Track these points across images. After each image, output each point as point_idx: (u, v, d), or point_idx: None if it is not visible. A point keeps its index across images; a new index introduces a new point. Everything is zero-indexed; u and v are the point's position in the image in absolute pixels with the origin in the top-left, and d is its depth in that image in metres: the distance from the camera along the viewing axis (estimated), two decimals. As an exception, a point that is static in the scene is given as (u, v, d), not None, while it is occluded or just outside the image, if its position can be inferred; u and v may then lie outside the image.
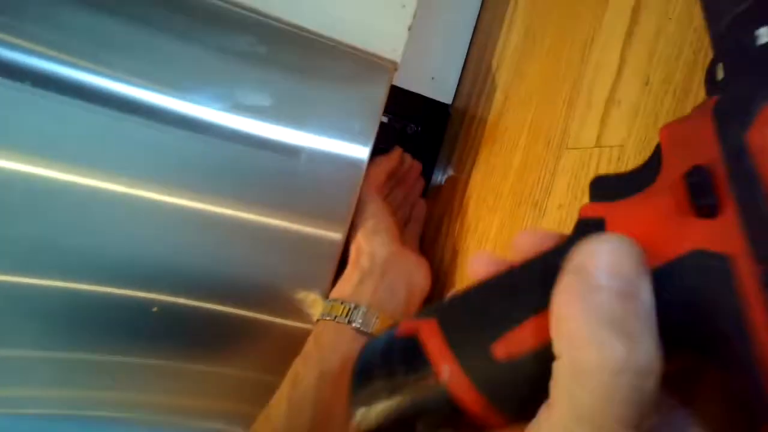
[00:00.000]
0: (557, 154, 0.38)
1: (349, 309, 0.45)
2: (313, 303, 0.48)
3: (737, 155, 0.14)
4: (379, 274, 0.47)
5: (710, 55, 0.26)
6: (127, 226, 0.44)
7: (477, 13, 0.63)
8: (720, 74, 0.17)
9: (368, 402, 0.19)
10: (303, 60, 0.47)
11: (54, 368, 0.45)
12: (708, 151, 0.15)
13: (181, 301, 0.45)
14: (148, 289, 0.44)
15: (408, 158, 0.59)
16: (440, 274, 0.52)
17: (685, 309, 0.15)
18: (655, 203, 0.16)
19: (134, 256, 0.44)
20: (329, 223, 0.48)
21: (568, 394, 0.13)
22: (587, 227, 0.17)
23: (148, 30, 0.43)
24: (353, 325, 0.44)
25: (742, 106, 0.15)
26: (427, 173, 0.63)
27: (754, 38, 0.16)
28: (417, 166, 0.60)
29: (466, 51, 0.63)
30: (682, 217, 0.15)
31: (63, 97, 0.41)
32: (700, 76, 0.26)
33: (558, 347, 0.14)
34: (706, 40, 0.27)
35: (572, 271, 0.14)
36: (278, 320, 0.48)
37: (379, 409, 0.18)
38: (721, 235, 0.14)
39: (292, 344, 0.46)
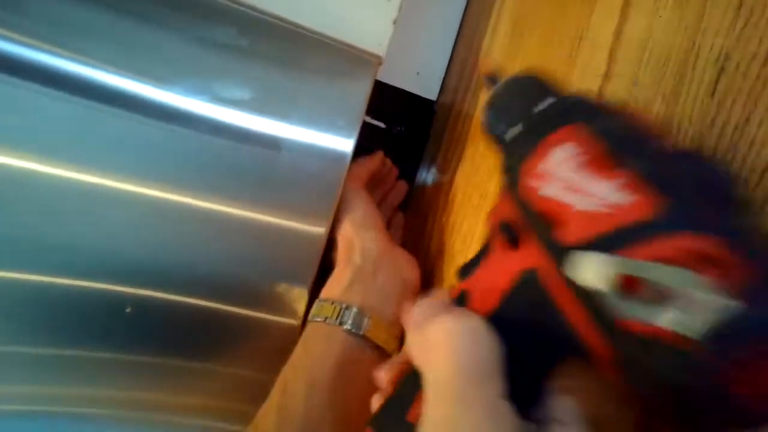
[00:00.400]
0: (544, 153, 0.38)
1: (340, 309, 0.43)
2: (299, 297, 0.47)
3: (520, 202, 0.22)
4: (371, 272, 0.46)
5: (701, 57, 0.25)
6: (104, 219, 0.42)
7: (463, 7, 0.62)
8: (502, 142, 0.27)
9: None
10: (285, 53, 0.45)
11: (33, 364, 0.44)
12: (507, 209, 0.24)
13: (161, 296, 0.44)
14: (127, 284, 0.43)
15: (388, 162, 0.58)
16: (425, 273, 0.51)
17: (531, 316, 0.20)
18: (491, 259, 0.25)
19: (112, 250, 0.43)
20: (312, 217, 0.47)
21: None
22: (459, 300, 0.24)
23: (124, 18, 0.42)
24: (344, 327, 0.42)
25: (512, 172, 0.24)
26: (412, 171, 0.62)
27: (504, 134, 0.27)
28: (394, 170, 0.60)
29: (451, 46, 0.62)
30: (506, 256, 0.23)
31: (37, 86, 0.40)
32: (690, 78, 0.26)
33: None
34: (698, 41, 0.26)
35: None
36: (264, 315, 0.47)
37: None
38: (528, 255, 0.21)
39: (280, 340, 0.46)
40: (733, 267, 0.15)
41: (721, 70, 0.24)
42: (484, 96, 0.51)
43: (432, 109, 0.63)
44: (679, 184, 0.18)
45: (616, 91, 0.31)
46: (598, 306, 0.17)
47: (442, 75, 0.61)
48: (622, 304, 0.16)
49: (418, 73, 0.60)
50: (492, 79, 0.31)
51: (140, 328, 0.44)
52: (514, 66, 0.46)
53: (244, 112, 0.44)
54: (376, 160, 0.54)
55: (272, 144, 0.45)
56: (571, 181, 0.20)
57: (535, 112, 0.25)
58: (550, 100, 0.25)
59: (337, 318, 0.43)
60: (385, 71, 0.52)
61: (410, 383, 0.23)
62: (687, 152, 0.21)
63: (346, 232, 0.47)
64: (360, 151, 0.49)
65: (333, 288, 0.46)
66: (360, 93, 0.47)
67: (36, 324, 0.42)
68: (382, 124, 0.61)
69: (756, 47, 0.23)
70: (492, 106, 0.29)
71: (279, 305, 0.46)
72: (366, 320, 0.43)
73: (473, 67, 0.56)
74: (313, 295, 0.47)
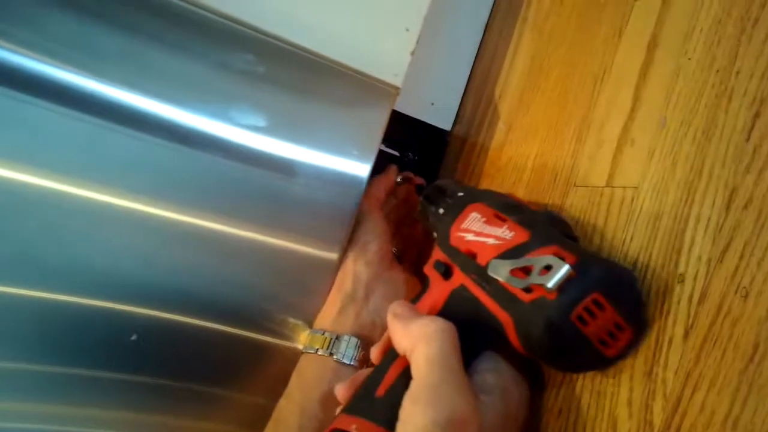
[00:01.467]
0: (564, 190, 0.37)
1: (331, 340, 0.43)
2: (294, 329, 0.46)
3: (450, 249, 0.36)
4: (362, 297, 0.45)
5: (735, 101, 0.25)
6: (114, 239, 0.42)
7: (480, 39, 0.62)
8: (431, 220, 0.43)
9: None
10: (303, 81, 0.45)
11: (37, 383, 0.42)
12: (439, 256, 0.37)
13: (169, 317, 0.43)
14: (135, 305, 0.42)
15: (410, 176, 0.57)
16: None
17: (461, 318, 0.30)
18: (431, 288, 0.36)
19: (120, 271, 0.42)
20: (326, 243, 0.46)
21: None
22: None
23: (141, 40, 0.42)
24: (335, 357, 0.43)
25: (442, 233, 0.38)
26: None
27: (430, 212, 0.43)
28: (415, 181, 0.58)
29: (467, 78, 0.62)
30: (441, 284, 0.35)
31: (54, 105, 0.40)
32: (723, 122, 0.25)
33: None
34: (730, 84, 0.26)
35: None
36: (274, 340, 0.46)
37: None
38: (456, 280, 0.34)
39: (291, 366, 0.45)
40: (568, 257, 0.26)
41: (757, 114, 0.24)
42: (498, 132, 0.51)
43: (445, 139, 0.62)
44: (537, 224, 0.31)
45: (643, 130, 0.31)
46: (501, 290, 0.29)
47: (457, 106, 0.61)
48: (514, 282, 0.27)
49: (432, 103, 0.60)
50: (419, 186, 0.51)
51: (146, 349, 0.43)
52: (534, 100, 0.46)
53: (260, 137, 0.44)
54: (390, 176, 0.54)
55: (287, 169, 0.45)
56: (481, 231, 0.34)
57: (453, 199, 0.40)
58: (460, 192, 0.41)
59: (328, 348, 0.43)
60: (400, 100, 0.52)
61: (381, 369, 0.31)
62: (542, 209, 0.36)
63: (347, 254, 0.47)
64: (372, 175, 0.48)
65: (325, 317, 0.45)
66: (377, 122, 0.46)
67: (41, 342, 0.41)
68: (394, 152, 0.61)
69: (795, 93, 0.22)
70: (426, 198, 0.44)
71: (291, 330, 0.46)
72: (357, 350, 0.43)
73: (489, 100, 0.55)
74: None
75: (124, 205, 0.41)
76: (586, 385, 0.28)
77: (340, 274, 0.46)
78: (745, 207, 0.23)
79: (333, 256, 0.46)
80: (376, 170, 0.54)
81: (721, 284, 0.23)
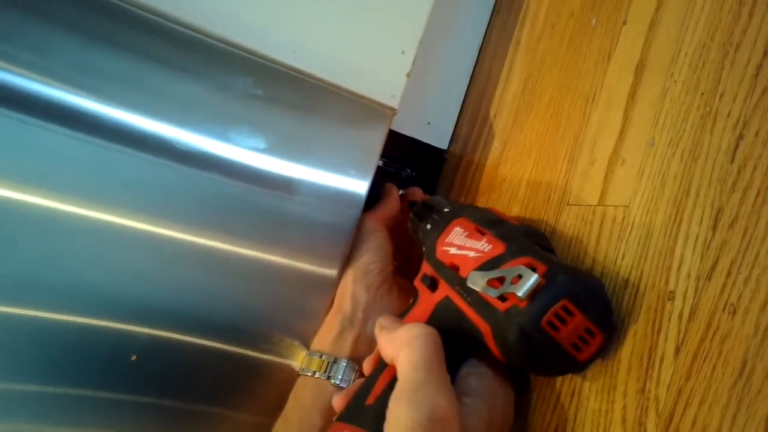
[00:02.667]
0: (558, 208, 0.38)
1: (329, 364, 0.44)
2: (292, 348, 0.46)
3: (437, 262, 0.38)
4: (361, 320, 0.45)
5: (719, 123, 0.26)
6: (115, 259, 0.42)
7: (474, 60, 0.63)
8: (420, 235, 0.44)
9: None
10: (301, 103, 0.46)
11: (36, 403, 0.42)
12: (427, 269, 0.39)
13: (169, 336, 0.43)
14: (135, 324, 0.43)
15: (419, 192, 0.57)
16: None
17: (446, 327, 0.31)
18: (419, 301, 0.38)
19: (121, 290, 0.42)
20: (324, 260, 0.47)
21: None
22: None
23: (147, 64, 0.43)
24: (332, 381, 0.43)
25: (429, 247, 0.40)
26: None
27: (419, 228, 0.45)
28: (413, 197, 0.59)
29: (462, 97, 0.63)
30: (428, 296, 0.37)
31: (58, 127, 0.41)
32: (708, 142, 0.26)
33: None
34: (715, 106, 0.26)
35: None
36: (273, 358, 0.46)
37: None
38: (442, 292, 0.36)
39: (283, 383, 0.45)
40: (539, 266, 0.28)
41: (740, 136, 0.24)
42: (493, 151, 0.52)
43: (442, 158, 0.63)
44: (513, 236, 0.33)
45: (632, 150, 0.31)
46: (480, 300, 0.30)
47: (453, 125, 0.62)
48: (490, 291, 0.29)
49: (429, 123, 0.61)
50: (412, 202, 0.50)
51: (146, 369, 0.43)
52: (528, 120, 0.47)
53: (260, 156, 0.45)
54: (394, 196, 0.54)
55: (286, 188, 0.45)
56: (463, 244, 0.36)
57: (439, 215, 0.42)
58: (446, 208, 0.43)
59: (325, 372, 0.43)
60: (397, 120, 0.53)
61: (372, 378, 0.33)
62: (521, 223, 0.37)
63: (344, 276, 0.47)
64: (372, 193, 0.49)
65: (322, 339, 0.45)
66: (374, 142, 0.47)
67: (43, 363, 0.41)
68: (392, 168, 0.62)
69: (776, 115, 0.23)
70: (416, 214, 0.46)
71: (288, 349, 0.46)
72: (354, 374, 0.43)
73: (484, 120, 0.56)
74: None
75: (125, 224, 0.42)
76: (582, 402, 0.29)
77: (339, 293, 0.46)
78: (731, 226, 0.23)
79: (331, 273, 0.47)
80: (376, 188, 0.55)
81: (710, 301, 0.23)
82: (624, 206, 0.30)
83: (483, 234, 0.35)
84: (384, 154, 0.48)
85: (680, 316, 0.24)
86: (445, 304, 0.35)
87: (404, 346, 0.29)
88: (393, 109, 0.48)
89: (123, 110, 0.42)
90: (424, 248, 0.42)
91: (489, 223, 0.36)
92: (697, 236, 0.25)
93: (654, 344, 0.25)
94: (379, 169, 0.49)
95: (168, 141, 0.43)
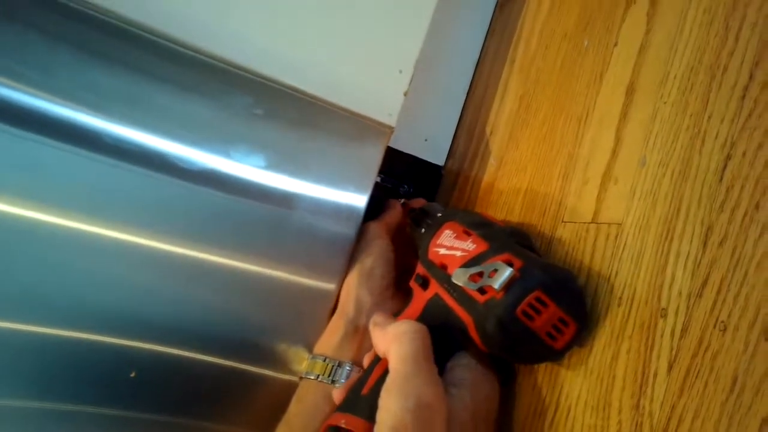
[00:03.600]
0: (553, 225, 0.38)
1: (333, 367, 0.43)
2: (295, 357, 0.46)
3: (428, 262, 0.40)
4: (364, 326, 0.45)
5: (707, 143, 0.26)
6: (115, 273, 0.43)
7: (470, 79, 0.64)
8: (416, 239, 0.47)
9: None
10: (301, 122, 0.47)
11: (36, 419, 0.42)
12: (420, 270, 0.41)
13: (170, 351, 0.44)
14: (135, 339, 0.43)
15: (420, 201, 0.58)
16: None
17: (436, 323, 0.34)
18: (413, 299, 0.40)
19: (121, 305, 0.43)
20: (324, 274, 0.47)
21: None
22: None
23: (151, 83, 0.44)
24: (336, 385, 0.43)
25: (423, 248, 0.42)
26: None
27: (415, 232, 0.48)
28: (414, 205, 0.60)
29: (459, 115, 0.64)
30: (421, 294, 0.39)
31: (59, 143, 0.41)
32: (697, 162, 0.27)
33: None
34: (703, 127, 0.27)
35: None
36: (271, 373, 0.46)
37: None
38: (432, 290, 0.38)
39: (282, 398, 0.45)
40: (515, 262, 0.30)
41: (728, 156, 0.25)
42: (490, 167, 0.52)
43: (439, 173, 0.64)
44: (497, 236, 0.35)
45: (625, 169, 0.32)
46: (463, 295, 0.33)
47: (450, 142, 0.63)
48: (471, 285, 0.31)
49: (426, 139, 0.62)
50: (412, 209, 0.52)
51: (146, 384, 0.43)
52: (523, 137, 0.48)
53: (260, 173, 0.45)
54: (398, 208, 0.55)
55: (286, 203, 0.46)
56: (451, 245, 0.38)
57: (433, 219, 0.45)
58: (439, 213, 0.46)
59: (329, 376, 0.43)
60: (395, 137, 0.54)
61: (367, 371, 0.35)
62: (509, 226, 0.39)
63: (349, 280, 0.47)
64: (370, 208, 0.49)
65: (326, 342, 0.46)
66: (372, 159, 0.48)
67: (43, 379, 0.41)
68: (390, 184, 0.62)
69: (761, 137, 0.24)
70: (413, 219, 0.49)
71: (287, 362, 0.46)
72: None
73: (480, 137, 0.57)
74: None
75: (126, 239, 0.42)
76: (577, 418, 0.29)
77: (343, 297, 0.47)
78: (721, 244, 0.24)
79: (331, 287, 0.47)
80: (378, 204, 0.55)
81: (701, 319, 0.24)
82: (617, 224, 0.31)
83: (469, 235, 0.37)
84: (382, 171, 0.49)
85: (672, 333, 0.25)
86: (435, 301, 0.37)
87: (394, 341, 0.31)
88: (390, 128, 0.49)
89: (127, 127, 0.43)
90: (418, 252, 0.44)
91: (476, 225, 0.38)
92: (688, 254, 0.25)
93: (647, 361, 0.26)
94: (378, 186, 0.50)
95: (170, 158, 0.43)
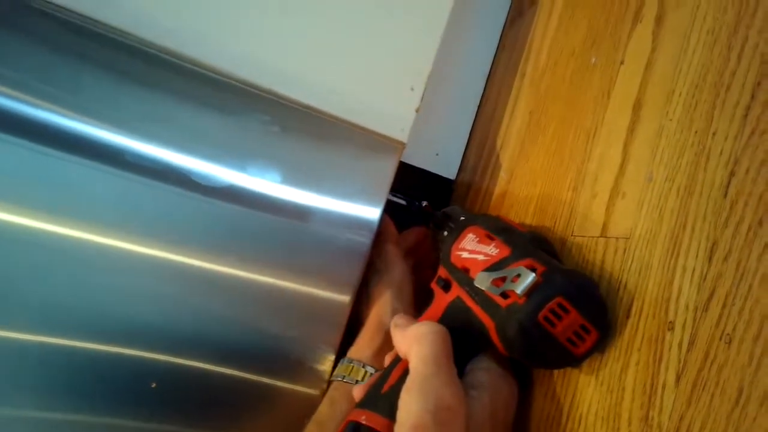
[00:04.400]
0: (562, 238, 0.39)
1: (368, 374, 0.45)
2: (323, 367, 0.47)
3: (450, 265, 0.41)
4: None
5: (712, 159, 0.27)
6: (135, 285, 0.44)
7: (481, 94, 0.65)
8: (438, 242, 0.49)
9: None
10: (315, 139, 0.48)
11: (52, 429, 0.43)
12: (442, 273, 0.42)
13: (188, 363, 0.45)
14: (154, 351, 0.44)
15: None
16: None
17: (457, 325, 0.34)
18: (434, 301, 0.41)
19: (141, 318, 0.44)
20: (338, 286, 0.48)
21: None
22: None
23: (172, 102, 0.45)
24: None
25: (445, 252, 0.43)
26: (430, 245, 0.64)
27: (437, 235, 0.50)
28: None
29: (469, 129, 0.65)
30: (442, 296, 0.40)
31: (84, 160, 0.43)
32: (702, 178, 0.27)
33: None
34: (707, 144, 0.28)
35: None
36: (285, 385, 0.47)
37: None
38: (454, 292, 0.38)
39: (301, 410, 0.46)
40: (538, 267, 0.30)
41: (732, 173, 0.26)
42: (500, 181, 0.53)
43: (450, 188, 0.65)
44: (519, 242, 0.36)
45: (632, 184, 0.33)
46: (485, 299, 0.33)
47: (461, 156, 0.64)
48: (493, 289, 0.32)
49: (437, 154, 0.63)
50: (435, 212, 0.53)
51: (165, 395, 0.44)
52: (533, 151, 0.49)
53: (277, 188, 0.47)
54: (418, 233, 0.57)
55: (302, 217, 0.47)
56: (474, 249, 0.39)
57: (456, 223, 0.46)
58: (462, 217, 0.47)
59: (363, 381, 0.44)
60: (407, 152, 0.55)
61: (388, 370, 0.36)
62: (528, 230, 0.39)
63: (383, 293, 0.49)
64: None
65: (363, 350, 0.47)
66: (385, 175, 0.49)
67: (67, 391, 0.43)
68: (402, 201, 0.64)
69: (764, 155, 0.24)
70: (435, 223, 0.51)
71: (303, 374, 0.47)
72: None
73: (491, 151, 0.58)
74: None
75: (148, 253, 0.44)
76: (588, 428, 0.29)
77: (378, 310, 0.48)
78: (725, 259, 0.25)
79: (345, 298, 0.48)
80: (401, 224, 0.57)
81: (707, 332, 0.24)
82: (625, 238, 0.32)
83: (492, 239, 0.38)
84: (394, 189, 0.50)
85: (680, 345, 0.25)
86: (456, 303, 0.37)
87: (414, 342, 0.32)
88: (402, 143, 0.50)
89: (149, 144, 0.45)
90: (440, 254, 0.45)
91: (498, 230, 0.39)
92: (694, 269, 0.26)
93: (656, 373, 0.26)
94: (389, 202, 0.51)
95: (190, 174, 0.45)
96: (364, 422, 0.33)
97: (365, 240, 0.49)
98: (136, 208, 0.44)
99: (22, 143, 0.42)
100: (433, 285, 0.42)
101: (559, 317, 0.29)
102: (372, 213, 0.49)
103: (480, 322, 0.33)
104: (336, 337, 0.48)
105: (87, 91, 0.44)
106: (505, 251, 0.35)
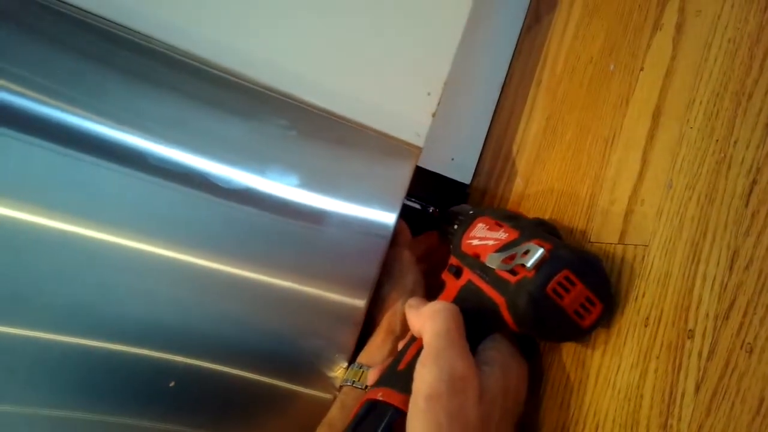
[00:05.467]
0: (579, 245, 0.39)
1: None
2: (336, 371, 0.47)
3: (461, 253, 0.43)
4: None
5: (733, 168, 0.27)
6: (152, 287, 0.45)
7: (496, 99, 0.66)
8: (448, 236, 0.50)
9: None
10: (333, 143, 0.49)
11: (72, 428, 0.44)
12: (453, 261, 0.44)
13: (203, 365, 0.45)
14: (171, 352, 0.45)
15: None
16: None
17: (469, 306, 0.36)
18: (445, 288, 0.42)
19: (158, 319, 0.45)
20: (353, 290, 0.49)
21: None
22: None
23: (193, 106, 0.46)
24: None
25: (456, 242, 0.45)
26: (444, 250, 0.64)
27: (447, 230, 0.51)
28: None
29: (485, 135, 0.65)
30: (454, 282, 0.41)
31: (107, 163, 0.44)
32: (723, 187, 0.27)
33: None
34: (729, 152, 0.28)
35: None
36: (298, 388, 0.48)
37: None
38: (465, 276, 0.40)
39: (311, 414, 0.46)
40: (545, 245, 0.31)
41: (754, 182, 0.26)
42: (516, 187, 0.53)
43: (465, 192, 0.65)
44: (527, 226, 0.38)
45: (651, 191, 0.33)
46: (496, 277, 0.35)
47: (476, 161, 0.64)
48: (503, 267, 0.33)
49: (453, 159, 0.64)
50: (444, 210, 0.56)
51: (181, 397, 0.45)
52: (549, 158, 0.49)
53: (294, 191, 0.48)
54: (432, 238, 0.58)
55: (318, 221, 0.48)
56: (484, 236, 0.41)
57: (465, 216, 0.48)
58: (471, 211, 0.48)
59: None
60: (423, 156, 0.55)
61: (403, 350, 0.37)
62: (535, 218, 0.41)
63: (394, 299, 0.49)
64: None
65: (373, 354, 0.47)
66: (401, 179, 0.50)
67: (84, 388, 0.44)
68: (417, 205, 0.64)
69: (786, 164, 0.24)
70: (445, 219, 0.53)
71: (317, 378, 0.47)
72: None
73: (507, 156, 0.58)
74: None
75: (167, 256, 0.45)
76: (605, 436, 0.29)
77: (389, 316, 0.49)
78: (747, 268, 0.24)
79: (360, 303, 0.48)
80: (415, 229, 0.57)
81: (728, 340, 0.24)
82: (644, 246, 0.32)
83: (501, 226, 0.40)
84: (409, 193, 0.51)
85: (700, 354, 0.25)
86: (468, 287, 0.39)
87: (428, 319, 0.33)
88: (419, 148, 0.50)
89: (170, 148, 0.45)
90: (451, 246, 0.47)
91: (507, 217, 0.41)
92: (715, 277, 0.26)
93: (675, 381, 0.26)
94: (404, 207, 0.52)
95: (210, 177, 0.46)
96: (380, 398, 0.34)
97: (381, 245, 0.49)
98: (157, 211, 0.45)
99: (50, 146, 0.43)
100: (445, 274, 0.44)
101: (567, 290, 0.30)
102: (388, 218, 0.50)
103: (491, 301, 0.35)
104: (350, 342, 0.48)
105: (113, 96, 0.45)
106: (514, 234, 0.37)
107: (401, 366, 0.36)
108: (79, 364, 0.43)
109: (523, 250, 0.32)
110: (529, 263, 0.31)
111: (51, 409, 0.43)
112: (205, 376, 0.45)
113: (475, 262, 0.39)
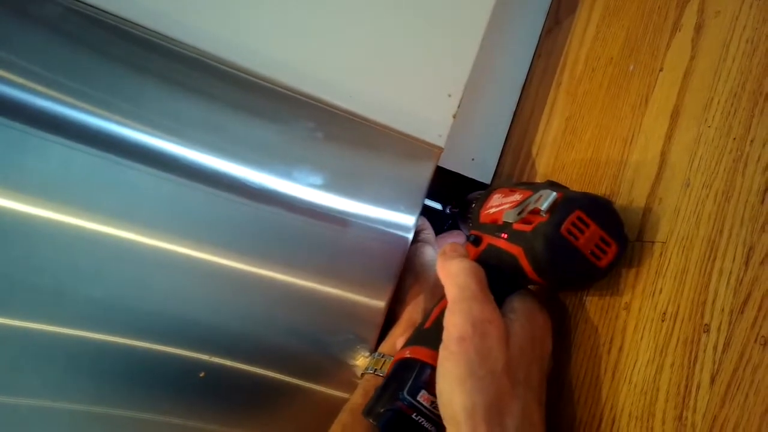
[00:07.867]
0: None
1: None
2: (358, 356, 0.49)
3: (479, 224, 0.45)
4: None
5: (750, 166, 0.27)
6: (180, 287, 0.46)
7: (517, 100, 0.66)
8: (465, 218, 0.53)
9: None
10: (356, 144, 0.50)
11: (101, 424, 0.46)
12: (473, 232, 0.44)
13: (228, 363, 0.47)
14: (197, 350, 0.46)
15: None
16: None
17: (490, 263, 0.37)
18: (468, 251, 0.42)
19: (185, 317, 0.46)
20: (374, 291, 0.50)
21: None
22: None
23: (222, 110, 0.48)
24: None
25: (475, 216, 0.47)
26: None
27: (463, 215, 0.55)
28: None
29: (505, 135, 0.66)
30: (474, 250, 0.41)
31: (142, 166, 0.46)
32: (740, 184, 0.28)
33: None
34: (746, 151, 0.28)
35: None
36: (320, 388, 0.49)
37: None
38: (485, 242, 0.40)
39: (331, 413, 0.47)
40: (557, 190, 0.33)
41: (770, 179, 0.26)
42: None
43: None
44: (540, 185, 0.39)
45: (669, 190, 0.33)
46: (514, 232, 0.36)
47: (496, 162, 0.65)
48: (519, 217, 0.35)
49: (473, 159, 0.64)
50: (457, 200, 0.59)
51: (207, 394, 0.47)
52: (569, 158, 0.49)
53: (318, 193, 0.49)
54: (454, 237, 0.59)
55: (341, 222, 0.49)
56: (500, 203, 0.42)
57: (481, 194, 0.49)
58: (484, 191, 0.49)
59: None
60: (443, 157, 0.56)
61: (428, 312, 0.38)
62: (548, 180, 0.41)
63: (418, 292, 0.50)
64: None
65: (395, 345, 0.48)
66: (422, 179, 0.51)
67: (116, 384, 0.46)
68: (437, 205, 0.65)
69: (802, 161, 0.25)
70: (460, 205, 0.56)
71: (338, 378, 0.48)
72: None
73: (527, 156, 0.59)
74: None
75: (198, 256, 0.46)
76: (622, 428, 0.30)
77: (412, 309, 0.50)
78: (762, 263, 0.25)
79: (380, 304, 0.50)
80: (438, 228, 0.58)
81: (743, 334, 0.25)
82: (661, 242, 0.32)
83: (514, 191, 0.42)
84: (430, 192, 0.52)
85: (715, 347, 0.26)
86: (487, 250, 0.40)
87: (452, 275, 0.35)
88: (440, 148, 0.52)
89: (201, 152, 0.47)
90: (470, 224, 0.49)
91: (520, 183, 0.44)
92: (731, 272, 0.27)
93: (690, 374, 0.27)
94: (424, 207, 0.53)
95: (239, 179, 0.47)
96: (409, 356, 0.35)
97: (402, 245, 0.50)
98: (187, 212, 0.47)
99: (87, 150, 0.45)
100: (466, 246, 0.45)
101: (581, 230, 0.32)
102: (409, 219, 0.51)
103: (510, 255, 0.35)
104: (371, 338, 0.49)
105: (149, 102, 0.47)
106: (528, 193, 0.38)
107: (428, 324, 0.37)
108: (112, 361, 0.45)
109: (537, 197, 0.34)
110: (544, 206, 0.32)
111: (83, 405, 0.45)
112: (230, 375, 0.46)
113: (493, 227, 0.40)
